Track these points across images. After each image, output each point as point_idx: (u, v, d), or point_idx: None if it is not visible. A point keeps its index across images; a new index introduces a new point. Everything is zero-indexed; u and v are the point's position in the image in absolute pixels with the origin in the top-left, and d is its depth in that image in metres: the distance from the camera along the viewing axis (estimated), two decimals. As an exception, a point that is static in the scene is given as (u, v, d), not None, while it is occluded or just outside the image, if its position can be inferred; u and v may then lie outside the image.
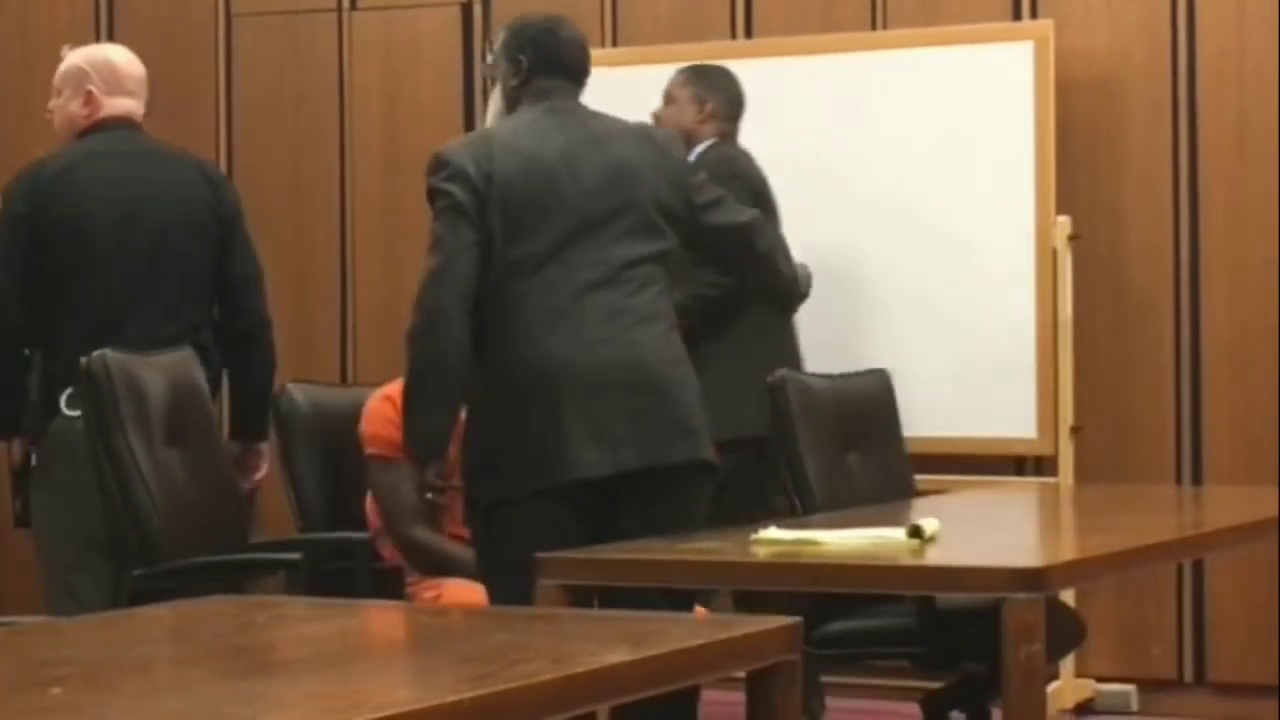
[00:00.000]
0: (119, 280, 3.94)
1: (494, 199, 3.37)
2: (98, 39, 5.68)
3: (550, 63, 3.58)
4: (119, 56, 4.22)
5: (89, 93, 4.02)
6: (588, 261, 3.39)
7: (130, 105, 4.11)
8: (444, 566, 3.91)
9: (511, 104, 3.63)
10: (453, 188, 3.41)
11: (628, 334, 3.39)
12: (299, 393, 4.02)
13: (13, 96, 5.94)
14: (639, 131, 3.59)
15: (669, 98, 5.00)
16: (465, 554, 3.90)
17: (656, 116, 4.97)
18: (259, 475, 4.17)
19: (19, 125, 5.22)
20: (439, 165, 3.51)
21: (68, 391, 3.79)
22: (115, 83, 4.08)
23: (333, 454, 3.96)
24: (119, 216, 3.97)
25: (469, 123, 5.48)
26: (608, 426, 3.35)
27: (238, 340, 4.15)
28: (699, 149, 4.98)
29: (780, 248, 3.76)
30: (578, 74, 3.62)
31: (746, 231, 3.70)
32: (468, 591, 3.80)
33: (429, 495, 3.61)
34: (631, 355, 3.38)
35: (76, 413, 3.73)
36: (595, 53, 3.89)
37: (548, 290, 3.36)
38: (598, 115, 3.57)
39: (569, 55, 3.62)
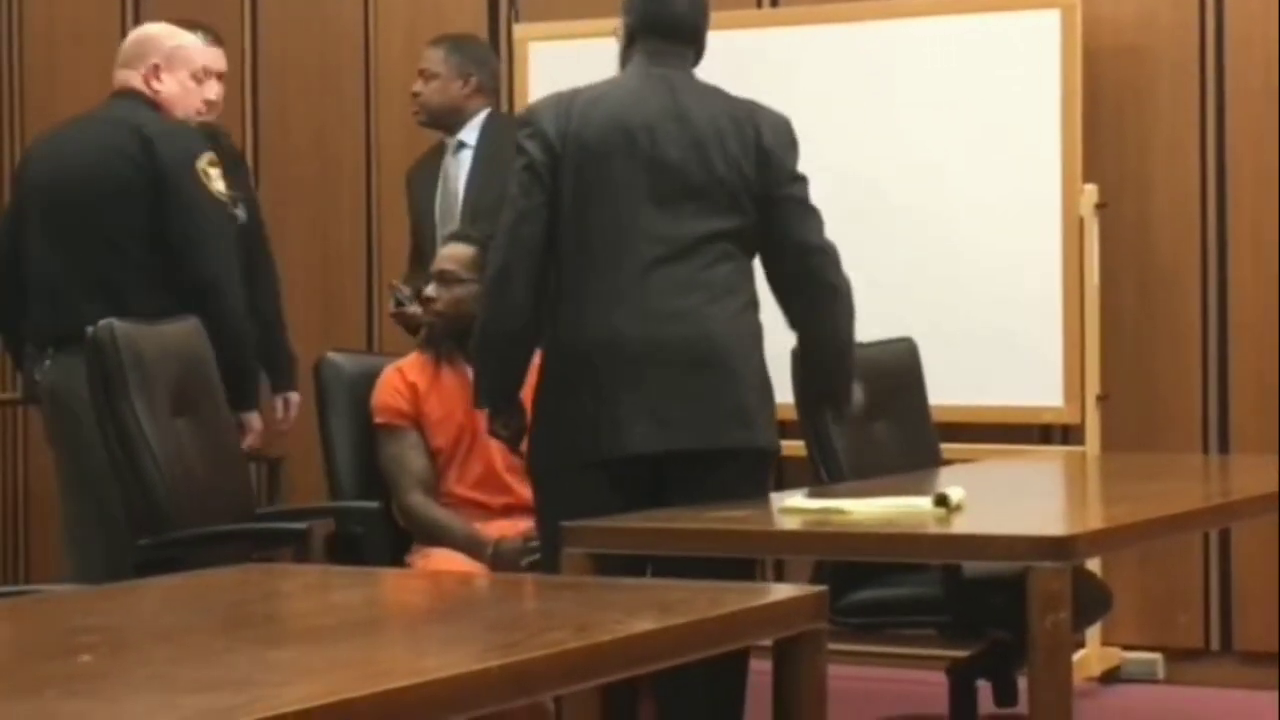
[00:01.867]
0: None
1: (567, 159, 3.36)
2: (123, 13, 5.77)
3: (653, 24, 3.54)
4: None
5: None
6: (660, 234, 3.37)
7: (123, 76, 4.13)
8: (435, 535, 4.00)
9: (622, 64, 3.61)
10: (530, 145, 3.42)
11: (701, 308, 3.39)
12: (339, 361, 4.06)
13: (39, 62, 6.02)
14: (739, 109, 3.51)
15: (429, 74, 4.94)
16: (456, 524, 4.00)
17: (417, 93, 4.98)
18: (245, 444, 4.15)
19: (46, 92, 5.31)
20: (523, 121, 3.53)
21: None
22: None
23: (367, 422, 4.01)
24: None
25: (493, 94, 5.55)
26: (664, 404, 3.37)
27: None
28: (478, 121, 4.98)
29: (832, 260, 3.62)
30: (685, 36, 3.57)
31: (806, 252, 3.52)
32: (447, 562, 3.90)
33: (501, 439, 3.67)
34: (700, 330, 3.38)
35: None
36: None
37: (616, 260, 3.37)
38: (697, 86, 3.52)
39: (674, 17, 3.56)
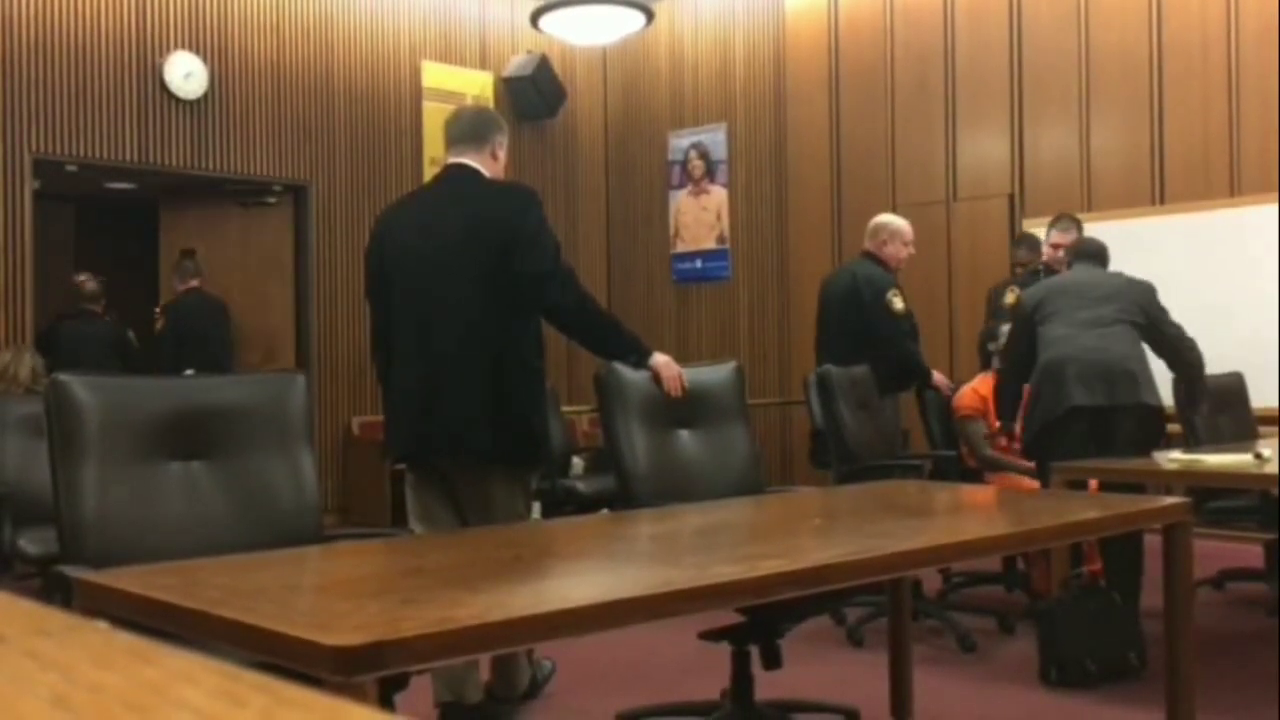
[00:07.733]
0: None
1: (1047, 300, 4.88)
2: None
3: (1083, 253, 5.12)
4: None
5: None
6: (1086, 319, 4.86)
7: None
8: (997, 466, 5.42)
9: (1069, 266, 5.09)
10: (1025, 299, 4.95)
11: (1104, 343, 4.73)
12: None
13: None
14: (1127, 283, 4.95)
15: (1056, 245, 6.01)
16: (1005, 462, 5.38)
17: (1050, 254, 6.12)
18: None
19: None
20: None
21: None
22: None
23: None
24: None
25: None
26: (1092, 383, 4.67)
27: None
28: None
29: None
30: (1100, 258, 5.09)
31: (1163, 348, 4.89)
32: (1005, 481, 5.35)
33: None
34: (1115, 354, 4.73)
35: None
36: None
37: (1062, 328, 4.91)
38: (1103, 274, 4.98)
39: (1096, 248, 5.08)
